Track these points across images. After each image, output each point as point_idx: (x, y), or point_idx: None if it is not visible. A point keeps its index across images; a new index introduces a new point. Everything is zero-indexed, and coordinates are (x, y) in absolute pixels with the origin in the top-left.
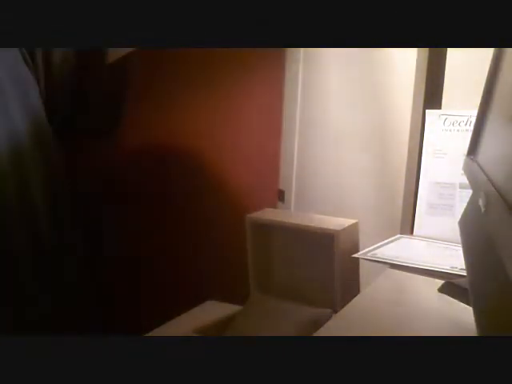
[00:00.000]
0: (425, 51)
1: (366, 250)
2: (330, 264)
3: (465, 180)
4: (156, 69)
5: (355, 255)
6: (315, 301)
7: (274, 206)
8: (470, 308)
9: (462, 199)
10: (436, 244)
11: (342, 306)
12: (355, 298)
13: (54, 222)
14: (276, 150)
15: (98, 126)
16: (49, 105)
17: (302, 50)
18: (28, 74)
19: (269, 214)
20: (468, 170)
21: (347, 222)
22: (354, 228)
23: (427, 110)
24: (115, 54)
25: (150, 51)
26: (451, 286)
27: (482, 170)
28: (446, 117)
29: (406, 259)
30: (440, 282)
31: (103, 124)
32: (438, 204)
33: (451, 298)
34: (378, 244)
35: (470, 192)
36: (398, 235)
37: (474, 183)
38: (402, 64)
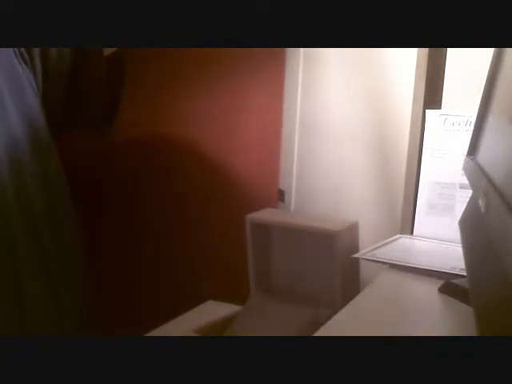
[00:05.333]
0: (425, 51)
1: (366, 249)
2: (330, 264)
3: (465, 180)
4: (155, 63)
5: (355, 255)
6: (315, 301)
7: (274, 206)
8: (470, 308)
9: (462, 199)
10: (436, 244)
11: (342, 306)
12: (355, 298)
13: (54, 223)
14: (276, 150)
15: (96, 119)
16: (46, 100)
17: (301, 49)
18: (23, 70)
19: (269, 214)
20: (468, 170)
21: (347, 222)
22: (354, 228)
23: (427, 110)
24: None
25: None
26: (451, 285)
27: (482, 170)
28: (445, 117)
29: (406, 259)
30: (440, 282)
31: (101, 117)
32: (438, 204)
33: (451, 298)
34: (378, 244)
35: (469, 192)
36: (398, 235)
37: (473, 183)
38: (402, 64)
